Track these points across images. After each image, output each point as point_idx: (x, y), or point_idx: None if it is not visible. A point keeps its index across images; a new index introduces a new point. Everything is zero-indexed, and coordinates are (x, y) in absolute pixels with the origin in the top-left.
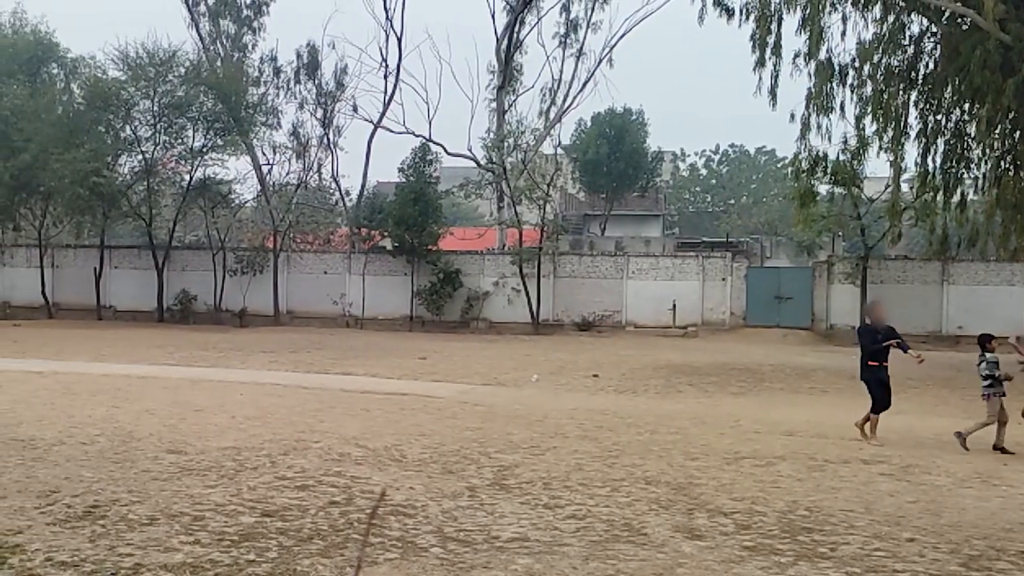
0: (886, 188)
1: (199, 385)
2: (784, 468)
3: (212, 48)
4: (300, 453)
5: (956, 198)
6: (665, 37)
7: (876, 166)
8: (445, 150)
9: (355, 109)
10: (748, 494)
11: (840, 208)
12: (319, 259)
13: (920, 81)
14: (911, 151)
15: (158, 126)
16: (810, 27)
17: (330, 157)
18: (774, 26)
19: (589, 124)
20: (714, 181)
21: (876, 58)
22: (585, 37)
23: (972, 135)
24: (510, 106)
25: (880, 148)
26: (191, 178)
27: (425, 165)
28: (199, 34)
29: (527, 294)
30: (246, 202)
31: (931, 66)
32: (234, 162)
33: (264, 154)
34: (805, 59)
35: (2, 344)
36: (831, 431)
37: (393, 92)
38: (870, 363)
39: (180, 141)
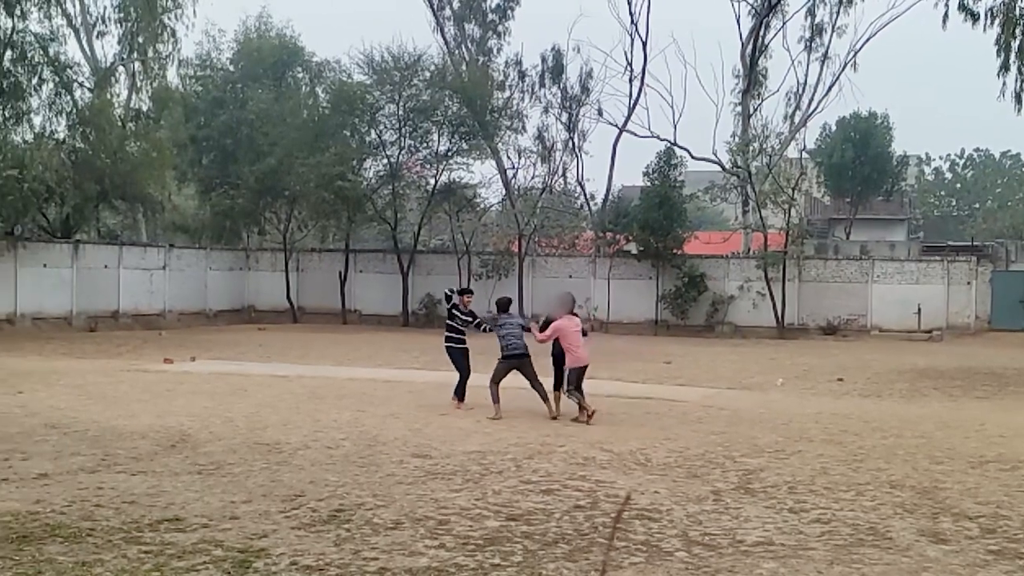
0: None
1: (444, 389)
2: None
3: (457, 52)
4: (545, 457)
5: None
6: (909, 39)
7: None
8: (690, 154)
9: (600, 113)
10: (993, 498)
11: None
12: (564, 263)
13: None
14: None
15: (403, 130)
16: None
17: (575, 161)
18: (1019, 30)
19: (834, 128)
20: (959, 185)
21: None
22: (830, 41)
23: None
24: (755, 110)
25: None
26: (436, 182)
27: (670, 169)
28: (444, 38)
29: (772, 298)
30: (491, 206)
31: None
32: (479, 166)
33: (509, 158)
34: None
35: (247, 348)
36: None
37: (638, 96)
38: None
39: (425, 145)
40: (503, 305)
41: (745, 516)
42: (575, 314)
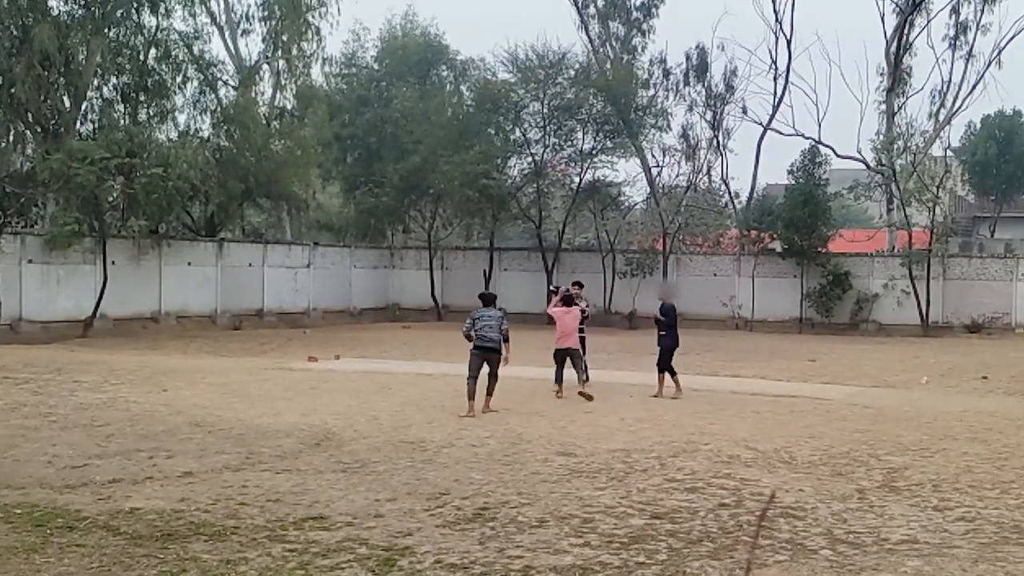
0: None
1: (589, 387)
2: None
3: (601, 50)
4: (689, 455)
5: None
6: None
7: None
8: (835, 152)
9: (744, 111)
10: None
11: None
12: (708, 261)
13: None
14: None
15: (547, 128)
16: None
17: (719, 159)
18: None
19: (978, 126)
20: None
21: None
22: (974, 39)
23: None
24: (900, 108)
25: None
26: (580, 180)
27: (814, 167)
28: (588, 36)
29: (916, 296)
30: (635, 204)
31: None
32: (623, 164)
33: (653, 156)
34: None
35: (392, 346)
36: None
37: (782, 94)
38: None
39: (569, 143)
40: (488, 299)
41: (890, 514)
42: (578, 301)
